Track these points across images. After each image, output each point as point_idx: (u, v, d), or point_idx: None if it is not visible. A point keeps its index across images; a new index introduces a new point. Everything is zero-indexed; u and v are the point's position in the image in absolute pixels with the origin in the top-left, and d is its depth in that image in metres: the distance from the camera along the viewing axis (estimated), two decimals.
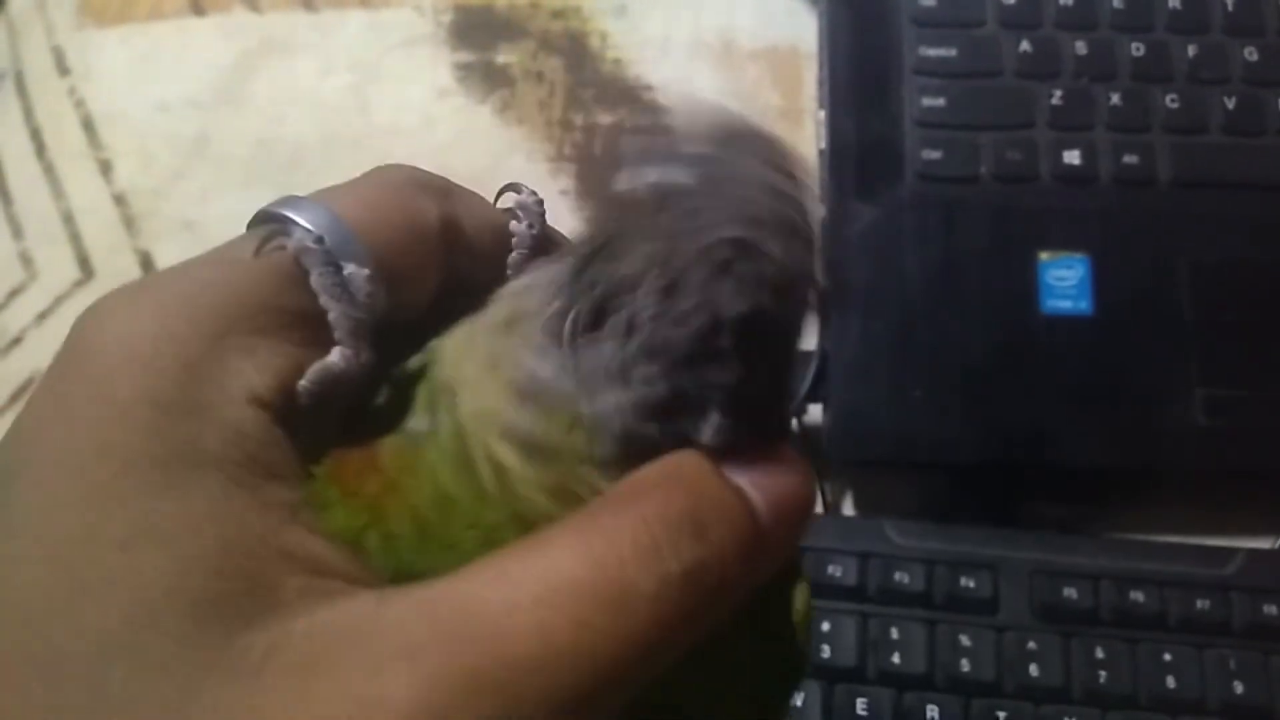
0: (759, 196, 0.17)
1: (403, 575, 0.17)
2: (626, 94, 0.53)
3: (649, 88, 0.53)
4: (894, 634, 0.41)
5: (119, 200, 0.52)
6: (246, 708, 0.14)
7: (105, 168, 0.53)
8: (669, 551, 0.16)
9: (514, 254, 0.23)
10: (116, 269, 0.51)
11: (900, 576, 0.42)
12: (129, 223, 0.52)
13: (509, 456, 0.18)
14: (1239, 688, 0.40)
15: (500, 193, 0.24)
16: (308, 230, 0.19)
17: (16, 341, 0.50)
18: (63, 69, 0.55)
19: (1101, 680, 0.40)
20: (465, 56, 0.54)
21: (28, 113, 0.54)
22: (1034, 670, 0.40)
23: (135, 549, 0.15)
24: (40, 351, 0.49)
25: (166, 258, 0.51)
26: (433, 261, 0.21)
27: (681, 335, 0.17)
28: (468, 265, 0.22)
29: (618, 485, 0.17)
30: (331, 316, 0.19)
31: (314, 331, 0.19)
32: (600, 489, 0.17)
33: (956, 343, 0.44)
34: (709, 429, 0.17)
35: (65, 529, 0.16)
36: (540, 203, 0.22)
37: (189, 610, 0.15)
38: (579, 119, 0.52)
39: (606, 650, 0.15)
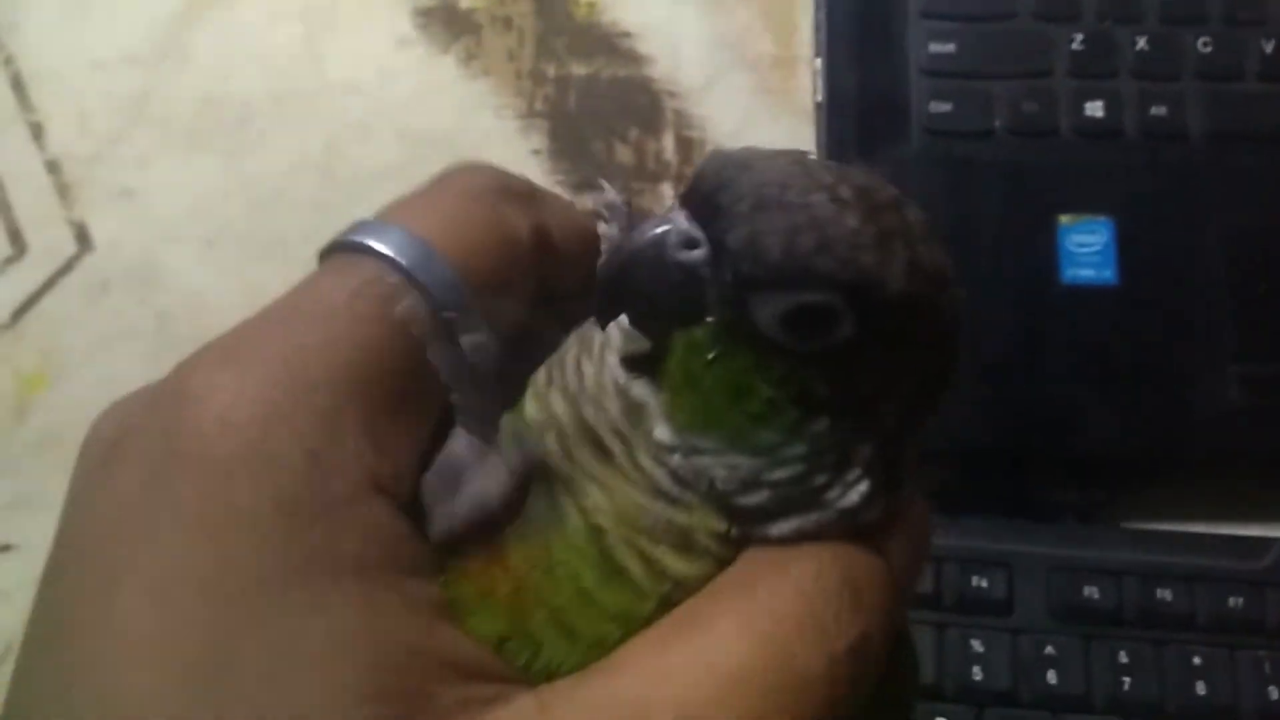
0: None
1: (551, 673, 0.17)
2: (603, 42, 0.48)
3: (627, 35, 0.48)
4: None
5: (52, 167, 0.48)
6: None
7: (36, 131, 0.49)
8: (835, 629, 0.16)
9: (603, 258, 0.21)
10: (49, 242, 0.46)
11: None
12: (63, 191, 0.48)
13: (666, 555, 0.17)
14: (1275, 693, 0.37)
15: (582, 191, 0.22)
16: (392, 258, 0.18)
17: None
18: None
19: (1125, 687, 0.37)
20: (426, 1, 0.49)
21: None
22: (1052, 677, 0.37)
23: (282, 678, 0.14)
24: None
25: (104, 229, 0.47)
26: (527, 277, 0.19)
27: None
28: (557, 273, 0.20)
29: (763, 551, 0.17)
30: (455, 400, 0.18)
31: (428, 397, 0.18)
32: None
33: (969, 318, 0.40)
34: (858, 500, 0.17)
35: (197, 652, 0.14)
36: (627, 202, 0.21)
37: None
38: (551, 70, 0.48)
39: None
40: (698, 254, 0.16)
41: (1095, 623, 0.38)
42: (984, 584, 0.38)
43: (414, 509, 0.17)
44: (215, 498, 0.15)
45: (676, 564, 0.17)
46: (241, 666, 0.14)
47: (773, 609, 0.16)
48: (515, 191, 0.20)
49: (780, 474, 0.17)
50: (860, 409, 0.17)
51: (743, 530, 0.17)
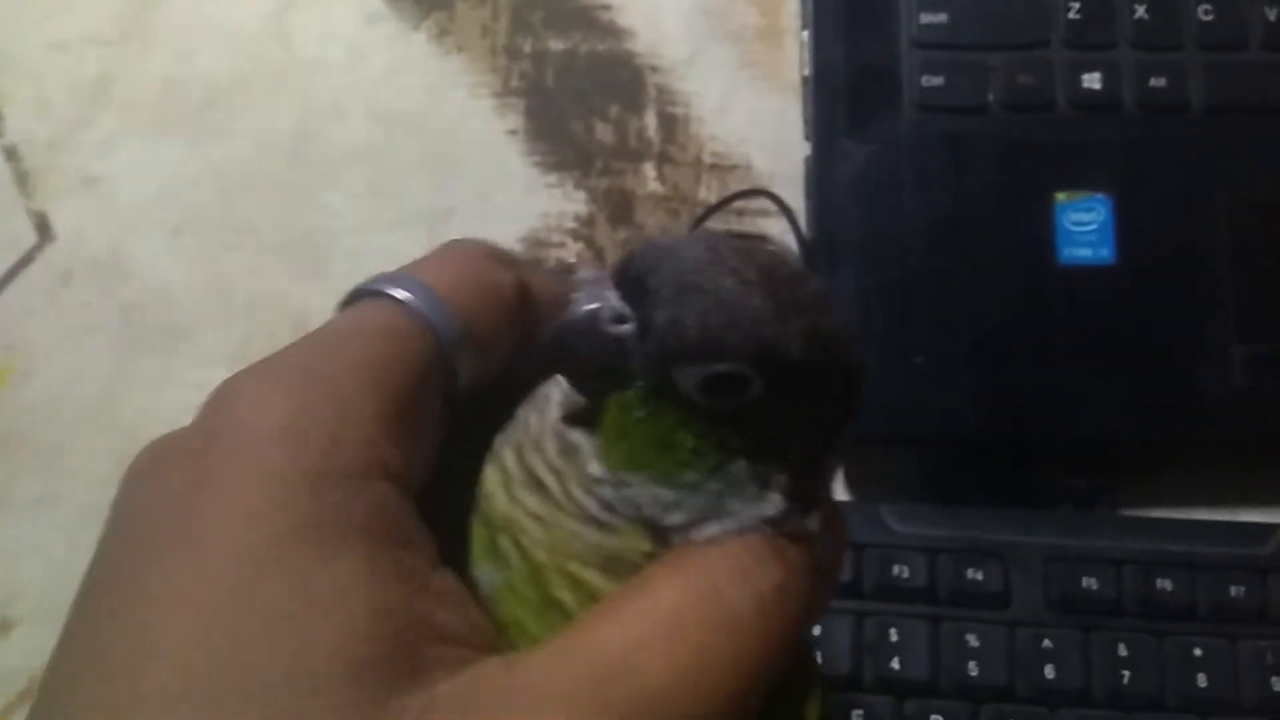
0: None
1: None
2: (581, 15, 0.46)
3: (606, 7, 0.46)
4: (893, 635, 0.36)
5: (10, 154, 0.46)
6: None
7: None
8: (758, 574, 0.19)
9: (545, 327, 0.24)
10: (9, 233, 0.45)
11: (899, 569, 0.37)
12: (22, 180, 0.46)
13: (595, 577, 0.20)
14: (1277, 684, 0.36)
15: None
16: (404, 300, 0.21)
17: None
18: None
19: (1125, 680, 0.36)
20: None
21: None
22: (1050, 671, 0.36)
23: (294, 614, 0.16)
24: None
25: (66, 220, 0.45)
26: (512, 326, 0.22)
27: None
28: (536, 327, 0.23)
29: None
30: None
31: (432, 412, 0.20)
32: None
33: (963, 300, 0.39)
34: (774, 512, 0.20)
35: (221, 594, 0.16)
36: (605, 278, 0.22)
37: (346, 676, 0.16)
38: (527, 45, 0.46)
39: (725, 671, 0.18)
40: (627, 328, 0.19)
41: (1094, 614, 0.37)
42: (979, 576, 0.37)
43: (418, 504, 0.19)
44: (246, 468, 0.17)
45: (606, 585, 0.19)
46: (260, 604, 0.16)
47: (701, 564, 0.19)
48: (502, 257, 0.24)
49: (703, 500, 0.19)
50: (773, 451, 0.19)
51: (669, 547, 0.20)
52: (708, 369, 0.18)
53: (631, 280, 0.19)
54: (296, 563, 0.16)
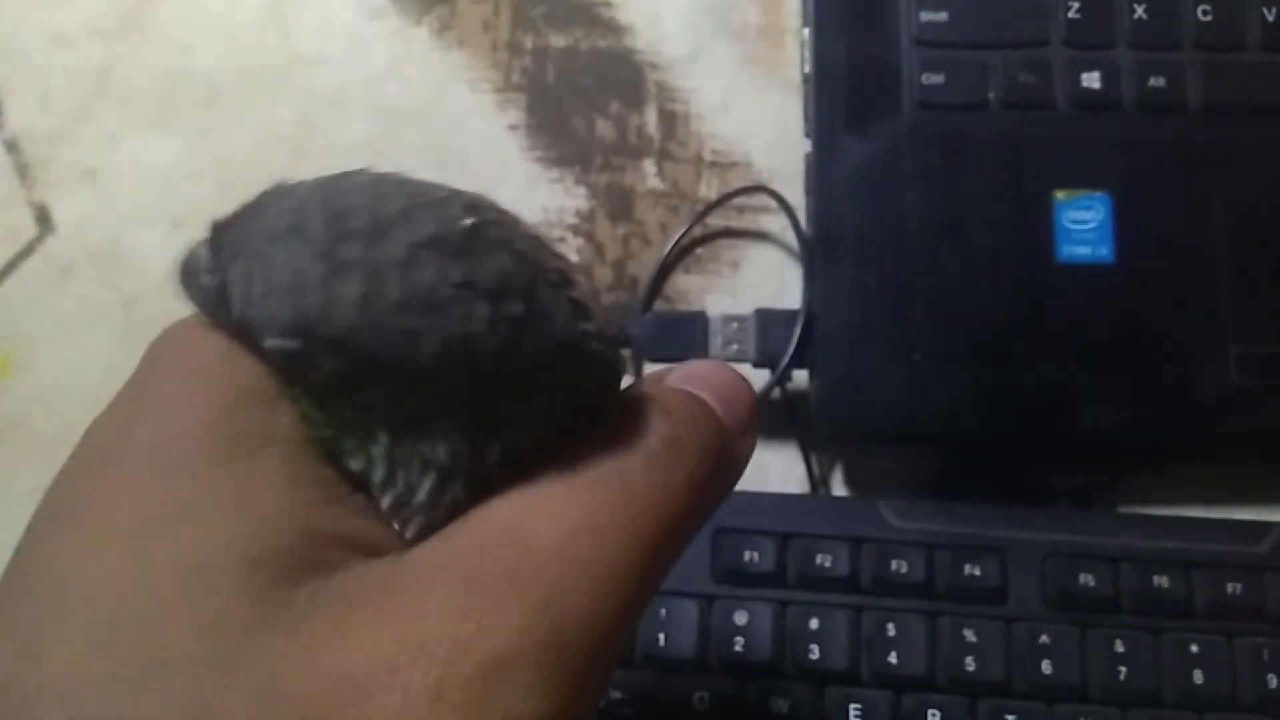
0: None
1: None
2: (582, 12, 0.46)
3: (608, 4, 0.46)
4: (890, 630, 0.36)
5: (11, 146, 0.46)
6: (292, 652, 0.15)
7: None
8: (647, 432, 0.19)
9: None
10: (9, 224, 0.45)
11: (897, 564, 0.37)
12: (23, 172, 0.46)
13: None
14: (1273, 681, 0.36)
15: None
16: None
17: None
18: None
19: (1122, 677, 0.36)
20: None
21: None
22: (1047, 667, 0.36)
23: (197, 516, 0.16)
24: None
25: (66, 211, 0.45)
26: None
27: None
28: None
29: None
30: None
31: None
32: None
33: (961, 298, 0.39)
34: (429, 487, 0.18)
35: (134, 505, 0.16)
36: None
37: (242, 569, 0.16)
38: (529, 41, 0.46)
39: (619, 530, 0.17)
40: (211, 282, 0.17)
41: (1091, 611, 0.37)
42: (977, 572, 0.37)
43: None
44: (177, 387, 0.18)
45: None
46: (169, 511, 0.16)
47: (588, 433, 0.19)
48: None
49: (379, 473, 0.18)
50: (411, 428, 0.17)
51: None
52: (264, 341, 0.17)
53: (222, 229, 0.18)
54: (209, 467, 0.17)
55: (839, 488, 0.40)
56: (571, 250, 0.43)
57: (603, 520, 0.17)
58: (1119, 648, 0.36)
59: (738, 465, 0.21)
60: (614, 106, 0.45)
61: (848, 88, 0.42)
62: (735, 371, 0.21)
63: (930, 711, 0.36)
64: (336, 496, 0.18)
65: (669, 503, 0.18)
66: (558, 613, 0.16)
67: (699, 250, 0.44)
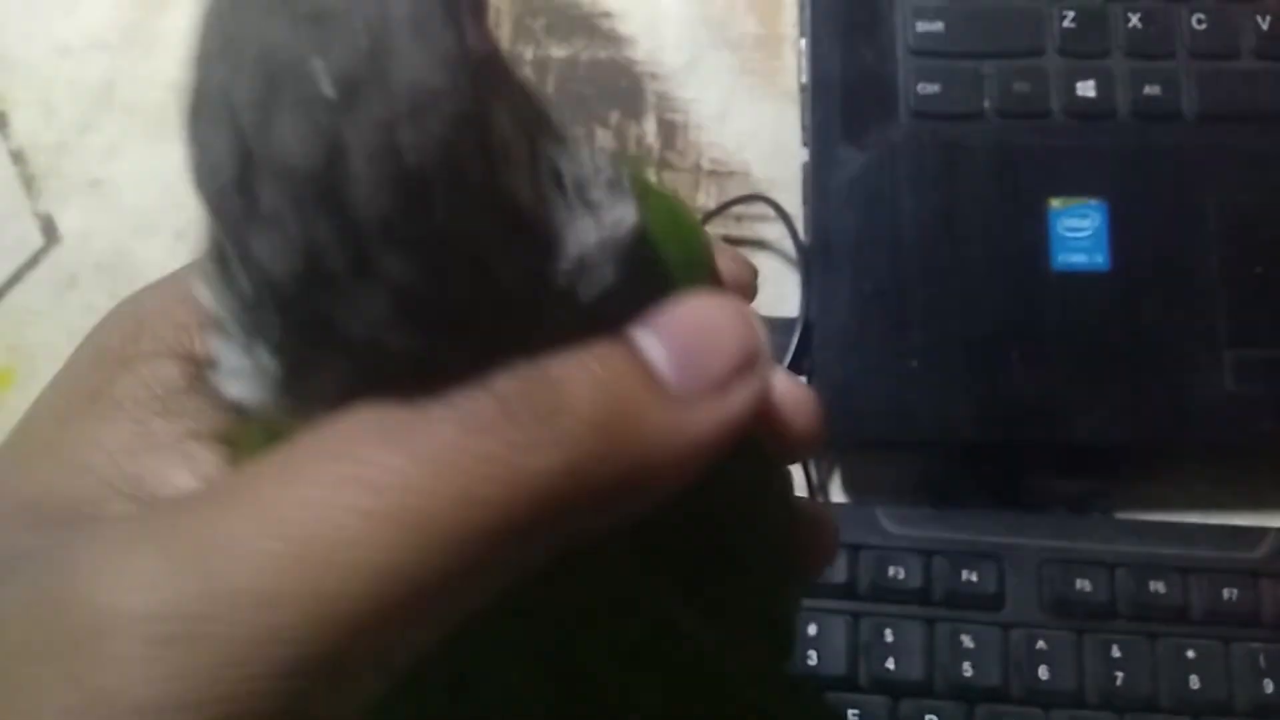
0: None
1: None
2: (582, 23, 0.47)
3: (607, 15, 0.47)
4: (888, 636, 0.37)
5: (16, 157, 0.47)
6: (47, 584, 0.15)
7: (0, 121, 0.47)
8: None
9: None
10: (15, 235, 0.45)
11: (895, 571, 0.37)
12: (28, 183, 0.46)
13: None
14: (1269, 686, 0.36)
15: None
16: None
17: None
18: None
19: (1118, 682, 0.36)
20: None
21: None
22: (1044, 672, 0.36)
23: (20, 469, 0.17)
24: None
25: (72, 222, 0.46)
26: None
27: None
28: None
29: None
30: None
31: None
32: None
33: (958, 305, 0.39)
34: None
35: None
36: None
37: (15, 514, 0.17)
38: (529, 52, 0.46)
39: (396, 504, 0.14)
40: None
41: (1088, 617, 0.37)
42: (974, 578, 0.37)
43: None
44: (83, 356, 0.19)
45: None
46: (7, 469, 0.18)
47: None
48: None
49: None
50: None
51: None
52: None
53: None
54: (44, 427, 0.18)
55: (837, 494, 0.41)
56: None
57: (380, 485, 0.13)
58: (1115, 653, 0.36)
59: (674, 445, 0.15)
60: (614, 116, 0.46)
61: (844, 97, 0.42)
62: (732, 308, 0.16)
63: (928, 717, 0.36)
64: (166, 449, 0.17)
65: (473, 490, 0.13)
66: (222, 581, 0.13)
67: None
